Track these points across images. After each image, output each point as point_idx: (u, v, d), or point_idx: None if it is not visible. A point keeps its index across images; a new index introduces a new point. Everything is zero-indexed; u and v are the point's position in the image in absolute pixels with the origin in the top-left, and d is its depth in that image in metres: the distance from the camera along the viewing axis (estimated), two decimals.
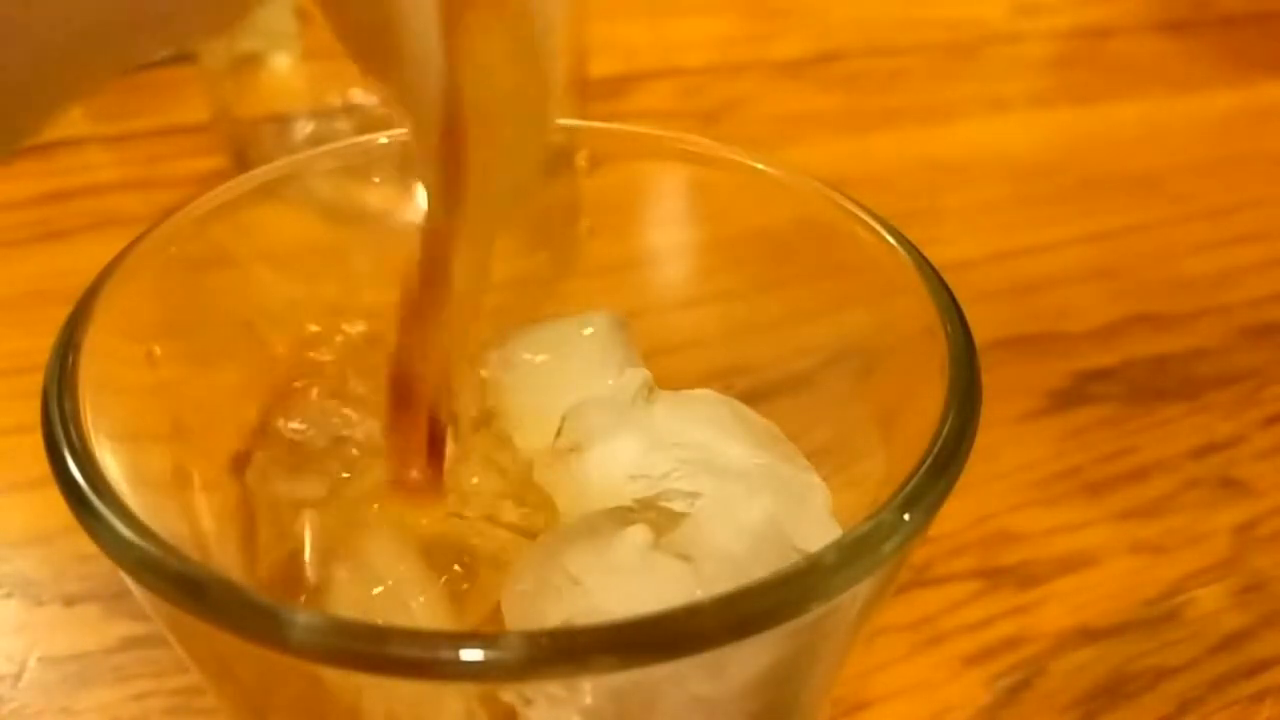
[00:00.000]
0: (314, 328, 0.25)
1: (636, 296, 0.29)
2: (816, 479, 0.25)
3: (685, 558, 0.21)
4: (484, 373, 0.26)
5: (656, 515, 0.22)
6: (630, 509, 0.22)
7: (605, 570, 0.20)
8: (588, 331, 0.28)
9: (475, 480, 0.24)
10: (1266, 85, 0.74)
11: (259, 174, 0.26)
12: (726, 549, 0.21)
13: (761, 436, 0.25)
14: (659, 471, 0.23)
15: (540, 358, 0.27)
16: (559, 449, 0.25)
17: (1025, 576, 0.38)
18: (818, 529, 0.23)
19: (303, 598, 0.21)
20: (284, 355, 0.25)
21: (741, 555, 0.21)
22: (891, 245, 0.25)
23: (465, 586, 0.22)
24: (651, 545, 0.20)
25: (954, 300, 0.23)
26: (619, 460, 0.24)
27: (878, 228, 0.25)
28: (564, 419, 0.25)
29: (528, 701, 0.17)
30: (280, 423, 0.25)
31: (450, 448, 0.22)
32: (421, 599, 0.21)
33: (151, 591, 0.17)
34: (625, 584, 0.20)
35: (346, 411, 0.25)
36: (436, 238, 0.20)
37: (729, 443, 0.24)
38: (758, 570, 0.20)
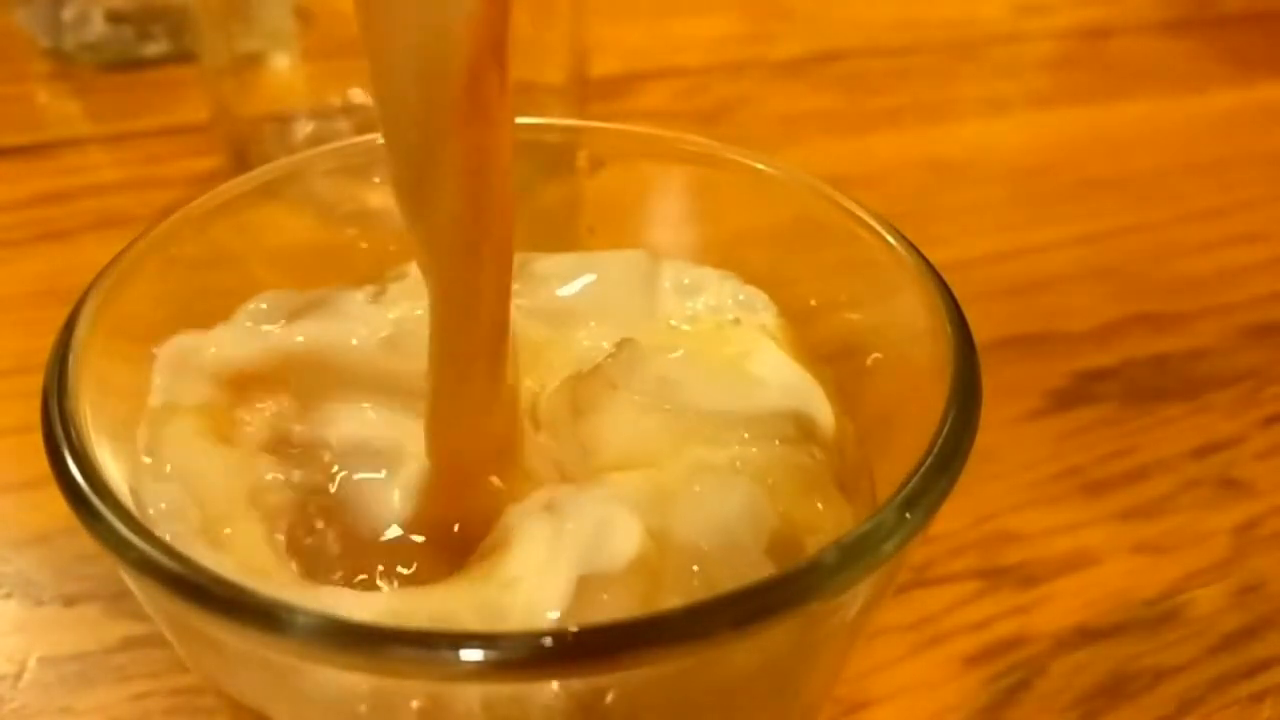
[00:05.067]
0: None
1: None
2: (815, 451, 0.24)
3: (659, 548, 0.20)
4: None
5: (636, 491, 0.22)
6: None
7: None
8: (617, 267, 0.28)
9: None
10: (1266, 85, 0.74)
11: (259, 174, 0.26)
12: (696, 541, 0.21)
13: (771, 397, 0.25)
14: (643, 443, 0.23)
15: (565, 288, 0.27)
16: (557, 406, 0.25)
17: (1025, 576, 0.38)
18: (806, 504, 0.22)
19: None
20: None
21: (710, 550, 0.21)
22: (891, 245, 0.25)
23: None
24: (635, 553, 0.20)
25: (954, 300, 0.23)
26: (610, 428, 0.24)
27: (878, 228, 0.25)
28: (567, 381, 0.25)
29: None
30: None
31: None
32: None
33: (151, 591, 0.17)
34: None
35: None
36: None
37: (725, 412, 0.24)
38: (724, 568, 0.20)
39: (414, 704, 0.18)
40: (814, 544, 0.22)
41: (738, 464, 0.23)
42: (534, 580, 0.20)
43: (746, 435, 0.24)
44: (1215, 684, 0.35)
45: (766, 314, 0.28)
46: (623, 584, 0.20)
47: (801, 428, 0.24)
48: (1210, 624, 0.37)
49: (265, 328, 0.25)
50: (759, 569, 0.21)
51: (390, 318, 0.26)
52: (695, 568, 0.20)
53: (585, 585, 0.20)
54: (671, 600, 0.20)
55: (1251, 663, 0.36)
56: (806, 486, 0.23)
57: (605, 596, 0.19)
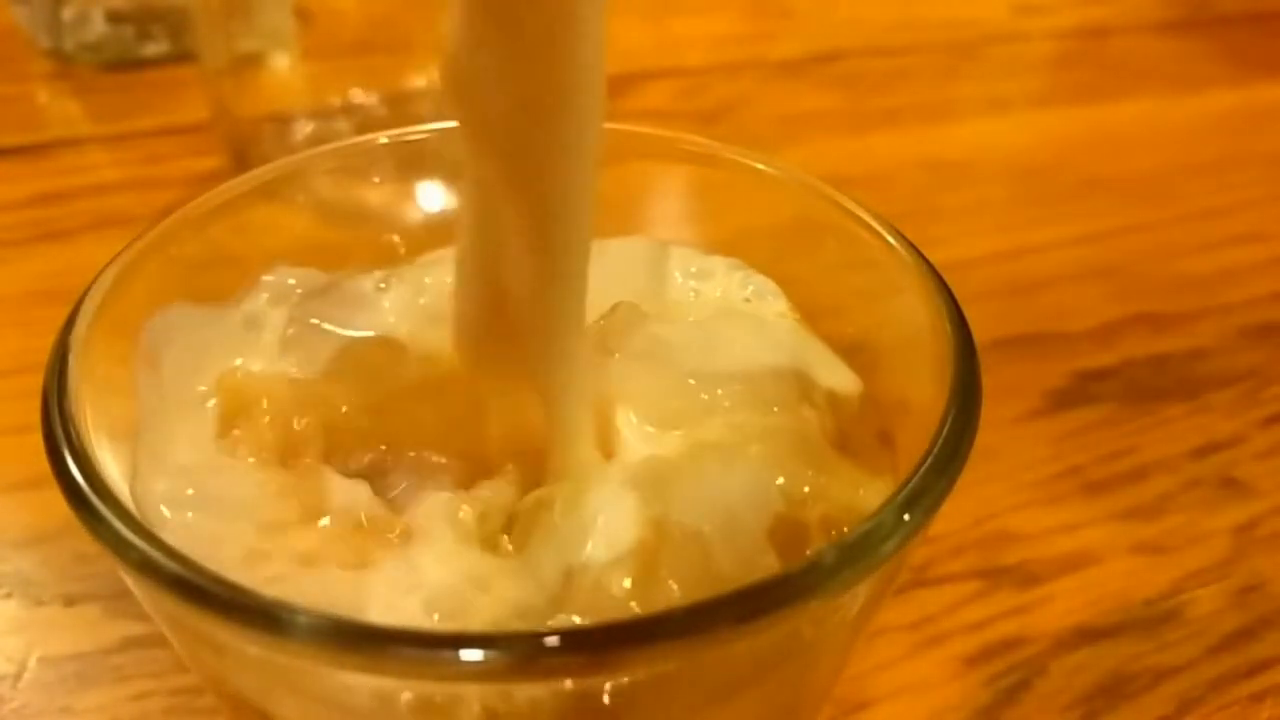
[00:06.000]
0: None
1: None
2: (815, 416, 0.24)
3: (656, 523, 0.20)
4: None
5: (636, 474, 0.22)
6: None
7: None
8: (623, 252, 0.27)
9: None
10: (1266, 85, 0.74)
11: (259, 174, 0.26)
12: (697, 524, 0.21)
13: (775, 358, 0.25)
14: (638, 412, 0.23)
15: None
16: None
17: (1025, 576, 0.38)
18: (808, 474, 0.22)
19: None
20: None
21: (710, 533, 0.21)
22: (891, 245, 0.25)
23: None
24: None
25: (954, 300, 0.23)
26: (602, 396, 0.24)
27: (878, 228, 0.25)
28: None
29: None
30: None
31: None
32: None
33: (151, 591, 0.17)
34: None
35: None
36: None
37: (726, 375, 0.24)
38: (726, 551, 0.20)
39: (414, 703, 0.18)
40: (816, 514, 0.22)
41: (738, 438, 0.22)
42: (522, 573, 0.20)
43: (747, 401, 0.23)
44: (1215, 684, 0.35)
45: (777, 302, 0.28)
46: (619, 570, 0.20)
47: (804, 391, 0.24)
48: (1210, 624, 0.37)
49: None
50: (761, 553, 0.21)
51: (422, 302, 0.26)
52: (695, 552, 0.20)
53: (580, 572, 0.20)
54: (669, 585, 0.20)
55: (1251, 663, 0.36)
56: (807, 455, 0.23)
57: (600, 582, 0.19)
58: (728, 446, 0.22)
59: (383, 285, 0.26)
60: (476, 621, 0.19)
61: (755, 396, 0.23)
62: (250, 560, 0.20)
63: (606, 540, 0.20)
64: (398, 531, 0.21)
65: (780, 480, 0.22)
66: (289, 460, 0.23)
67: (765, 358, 0.25)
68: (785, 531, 0.21)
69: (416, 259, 0.28)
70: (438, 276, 0.26)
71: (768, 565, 0.20)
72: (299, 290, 0.26)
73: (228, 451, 0.23)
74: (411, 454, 0.23)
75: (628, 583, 0.19)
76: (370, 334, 0.25)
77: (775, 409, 0.23)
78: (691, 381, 0.24)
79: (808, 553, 0.21)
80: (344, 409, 0.23)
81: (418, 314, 0.26)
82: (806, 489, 0.22)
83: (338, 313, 0.25)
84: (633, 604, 0.19)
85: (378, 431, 0.23)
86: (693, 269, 0.28)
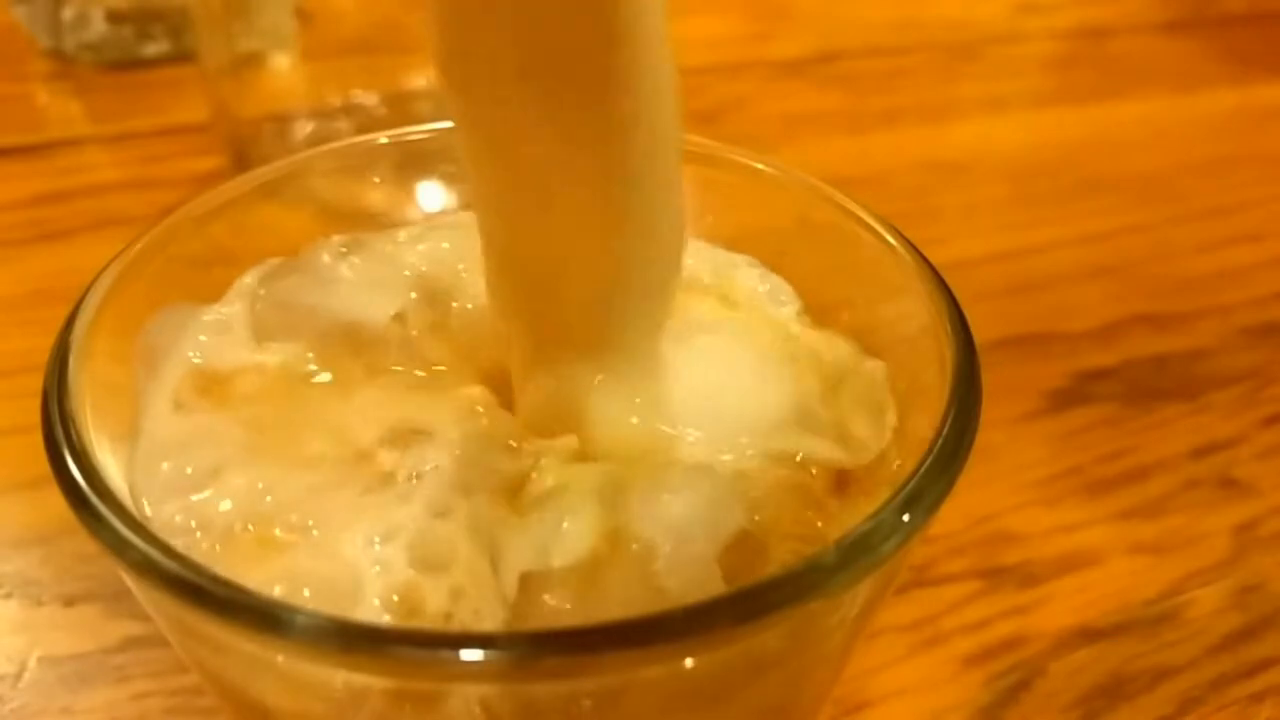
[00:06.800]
0: None
1: None
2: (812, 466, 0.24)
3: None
4: None
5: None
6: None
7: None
8: None
9: None
10: (1266, 85, 0.74)
11: (259, 174, 0.26)
12: (651, 539, 0.21)
13: (780, 388, 0.25)
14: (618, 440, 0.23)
15: None
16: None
17: (1025, 576, 0.38)
18: (792, 520, 0.22)
19: None
20: None
21: (662, 549, 0.20)
22: (891, 245, 0.25)
23: None
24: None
25: (954, 300, 0.23)
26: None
27: (878, 228, 0.25)
28: None
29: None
30: None
31: None
32: None
33: (151, 591, 0.17)
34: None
35: None
36: None
37: (723, 421, 0.24)
38: (673, 569, 0.20)
39: (414, 702, 0.18)
40: (786, 550, 0.21)
41: (715, 468, 0.22)
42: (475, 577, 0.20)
43: (734, 440, 0.23)
44: (1215, 684, 0.35)
45: (791, 303, 0.28)
46: (564, 582, 0.19)
47: (803, 421, 0.24)
48: (1210, 624, 0.37)
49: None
50: (709, 574, 0.20)
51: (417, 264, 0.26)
52: (641, 566, 0.20)
53: (526, 582, 0.20)
54: (611, 599, 0.19)
55: (1251, 663, 0.36)
56: (796, 503, 0.22)
57: (545, 595, 0.19)
58: (699, 469, 0.22)
59: (344, 249, 0.26)
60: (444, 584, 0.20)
61: (743, 436, 0.23)
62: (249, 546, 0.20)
63: (564, 547, 0.20)
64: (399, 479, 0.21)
65: (756, 517, 0.21)
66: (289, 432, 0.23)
67: (766, 393, 0.24)
68: (739, 556, 0.21)
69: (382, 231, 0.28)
70: (434, 241, 0.26)
71: (713, 587, 0.20)
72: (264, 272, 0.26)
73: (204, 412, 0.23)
74: (413, 431, 0.23)
75: (567, 595, 0.19)
76: (326, 304, 0.25)
77: (766, 457, 0.23)
78: (693, 434, 0.23)
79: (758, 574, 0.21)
80: (340, 387, 0.24)
81: (404, 283, 0.26)
82: (784, 523, 0.22)
83: (306, 284, 0.25)
84: (570, 614, 0.19)
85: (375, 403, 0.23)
86: (706, 270, 0.28)
